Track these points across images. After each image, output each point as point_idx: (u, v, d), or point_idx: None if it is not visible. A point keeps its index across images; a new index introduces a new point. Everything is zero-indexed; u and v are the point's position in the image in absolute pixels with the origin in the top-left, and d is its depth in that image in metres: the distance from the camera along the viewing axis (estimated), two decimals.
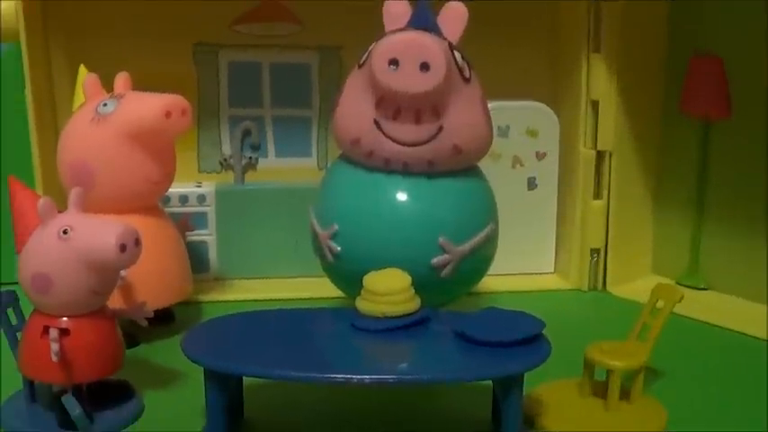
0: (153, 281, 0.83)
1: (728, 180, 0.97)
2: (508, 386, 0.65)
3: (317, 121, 1.06)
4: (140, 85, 0.86)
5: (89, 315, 0.67)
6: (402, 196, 0.78)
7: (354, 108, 0.78)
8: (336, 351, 0.70)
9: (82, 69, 0.89)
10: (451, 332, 0.68)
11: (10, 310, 0.71)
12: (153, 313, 0.75)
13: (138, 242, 0.65)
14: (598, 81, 0.99)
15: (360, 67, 0.78)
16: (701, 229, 1.00)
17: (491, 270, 0.84)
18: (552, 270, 1.07)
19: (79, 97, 0.87)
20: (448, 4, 0.78)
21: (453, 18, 0.78)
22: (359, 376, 0.63)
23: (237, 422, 0.72)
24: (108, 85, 0.85)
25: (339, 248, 0.80)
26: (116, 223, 0.65)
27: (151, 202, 0.87)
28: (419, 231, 0.77)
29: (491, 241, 0.82)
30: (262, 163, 1.06)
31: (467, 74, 0.77)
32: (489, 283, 0.92)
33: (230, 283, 1.02)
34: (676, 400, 0.74)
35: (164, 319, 0.88)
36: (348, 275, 0.79)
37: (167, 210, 0.93)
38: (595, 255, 1.03)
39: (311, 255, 0.85)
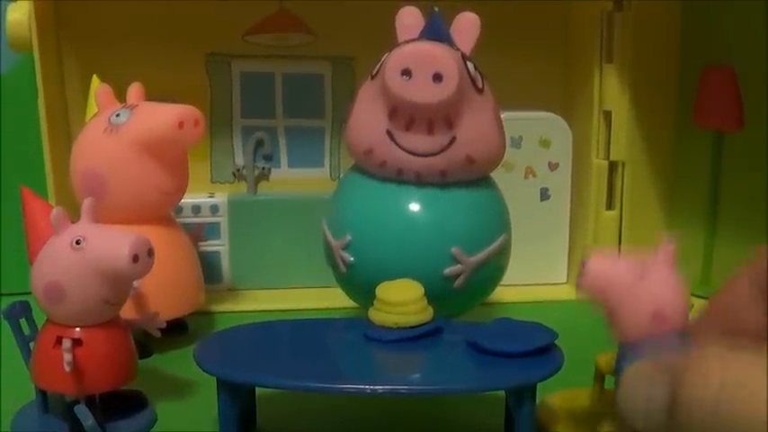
0: (166, 291, 0.83)
1: (741, 190, 0.96)
2: (521, 396, 0.65)
3: (329, 131, 1.06)
4: (153, 95, 0.86)
5: (102, 325, 0.67)
6: (415, 207, 0.78)
7: (367, 118, 0.78)
8: (349, 361, 0.70)
9: (95, 79, 0.89)
10: (464, 342, 0.68)
11: (23, 321, 0.71)
12: (166, 323, 0.75)
13: (150, 252, 0.65)
14: (611, 91, 0.99)
15: (372, 77, 0.78)
16: (713, 239, 1.00)
17: (504, 280, 0.84)
18: (565, 280, 1.07)
19: (92, 107, 0.87)
20: (461, 15, 0.78)
21: (466, 28, 0.78)
22: (371, 387, 0.62)
23: None
24: (121, 96, 0.85)
25: (352, 259, 0.80)
26: (129, 234, 0.65)
27: (164, 213, 0.87)
28: (432, 242, 0.78)
29: (504, 252, 0.82)
30: (274, 173, 1.06)
31: (479, 84, 0.77)
32: (502, 293, 0.92)
33: (243, 293, 1.02)
34: None
35: (177, 330, 0.88)
36: (361, 286, 0.79)
37: (180, 220, 0.93)
38: None
39: (324, 265, 0.85)
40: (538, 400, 0.66)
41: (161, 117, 0.81)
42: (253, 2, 1.01)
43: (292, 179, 1.06)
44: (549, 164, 1.03)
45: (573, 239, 1.06)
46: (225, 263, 1.03)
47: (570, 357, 0.66)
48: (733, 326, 0.58)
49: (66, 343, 0.65)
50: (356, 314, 0.85)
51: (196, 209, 1.00)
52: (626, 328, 0.58)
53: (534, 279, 1.05)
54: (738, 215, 0.97)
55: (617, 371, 0.59)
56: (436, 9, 0.78)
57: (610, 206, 1.02)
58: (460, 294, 0.79)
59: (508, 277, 0.85)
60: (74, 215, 0.68)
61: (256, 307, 0.98)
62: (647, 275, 0.57)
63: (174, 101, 0.83)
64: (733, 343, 0.54)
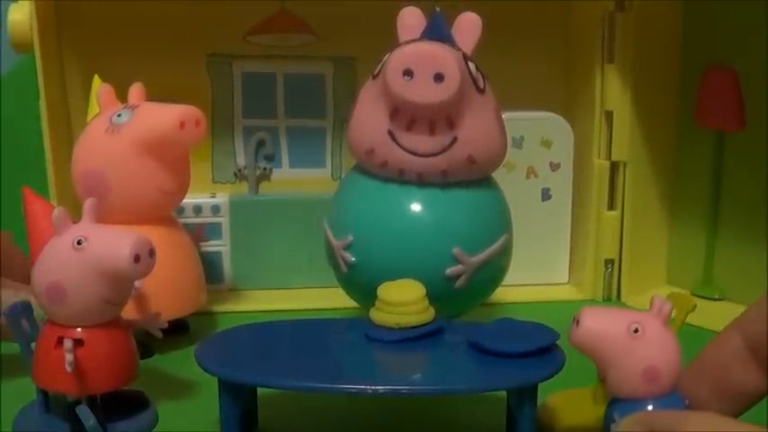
0: (167, 291, 0.83)
1: (743, 190, 0.96)
2: (522, 397, 0.65)
3: (330, 131, 1.06)
4: (154, 95, 0.86)
5: (103, 325, 0.67)
6: (416, 207, 0.78)
7: (368, 119, 0.78)
8: (350, 361, 0.70)
9: (96, 80, 0.89)
10: (465, 343, 0.68)
11: (24, 321, 0.71)
12: (167, 324, 0.75)
13: (152, 253, 0.65)
14: (612, 92, 0.99)
15: (374, 77, 0.78)
16: (715, 239, 1.00)
17: (505, 281, 0.84)
18: (566, 281, 1.07)
19: (93, 108, 0.87)
20: (462, 15, 0.78)
21: (467, 29, 0.78)
22: (373, 387, 0.62)
23: None
24: (122, 96, 0.85)
25: (353, 259, 0.80)
26: (130, 234, 0.65)
27: (165, 213, 0.87)
28: (433, 242, 0.77)
29: (505, 252, 0.82)
30: (276, 173, 1.06)
31: (481, 84, 0.77)
32: (503, 293, 0.92)
33: (244, 293, 1.02)
34: None
35: (178, 330, 0.88)
36: (362, 286, 0.79)
37: (181, 220, 0.93)
38: (609, 265, 1.03)
39: (325, 265, 0.85)
40: (539, 401, 0.66)
41: (162, 117, 0.81)
42: (254, 2, 1.01)
43: (294, 179, 1.06)
44: (551, 164, 1.03)
45: (574, 240, 1.06)
46: (226, 263, 1.03)
47: (571, 358, 0.66)
48: (720, 379, 0.59)
49: (68, 343, 0.65)
50: (357, 314, 0.85)
51: (197, 209, 1.00)
52: (618, 383, 0.59)
53: (535, 279, 1.05)
54: (740, 215, 0.97)
55: (606, 423, 0.59)
56: (437, 9, 0.78)
57: (611, 206, 1.02)
58: (462, 294, 0.79)
59: (509, 277, 0.85)
60: (75, 215, 0.68)
61: (257, 307, 0.98)
62: (641, 332, 0.58)
63: (175, 101, 0.83)
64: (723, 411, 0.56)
